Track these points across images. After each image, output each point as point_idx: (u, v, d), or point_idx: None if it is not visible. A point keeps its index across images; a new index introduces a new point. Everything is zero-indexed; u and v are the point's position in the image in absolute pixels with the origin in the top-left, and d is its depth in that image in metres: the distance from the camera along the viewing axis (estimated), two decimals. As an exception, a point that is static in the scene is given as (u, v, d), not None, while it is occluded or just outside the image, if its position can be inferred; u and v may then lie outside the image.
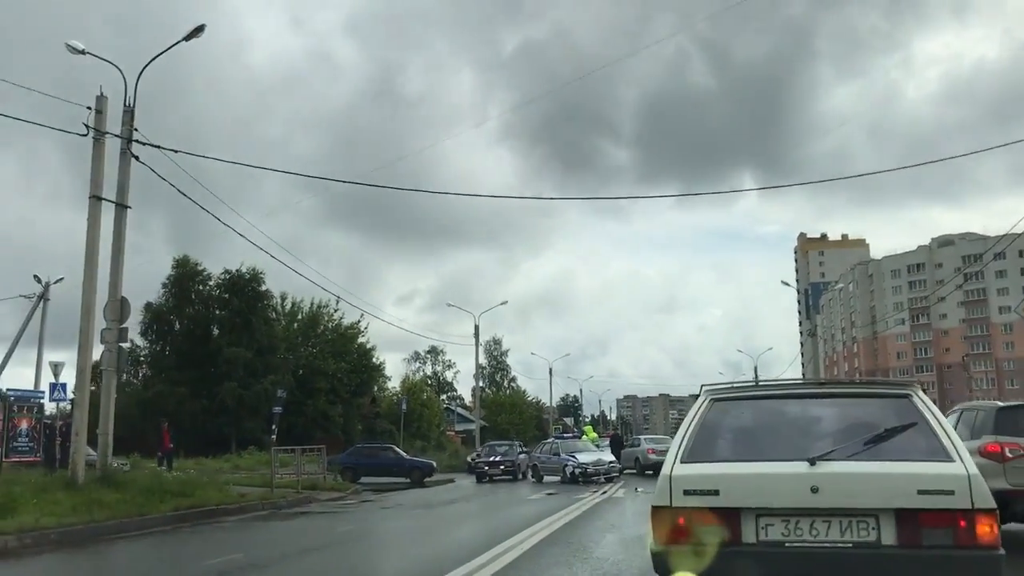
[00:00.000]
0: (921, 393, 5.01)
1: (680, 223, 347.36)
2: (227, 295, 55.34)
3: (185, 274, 55.32)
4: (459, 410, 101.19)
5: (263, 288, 55.89)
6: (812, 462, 4.44)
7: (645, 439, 36.73)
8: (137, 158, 17.91)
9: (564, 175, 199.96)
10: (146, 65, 18.18)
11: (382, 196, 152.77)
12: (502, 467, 30.68)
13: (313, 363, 58.54)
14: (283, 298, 61.48)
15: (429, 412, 72.81)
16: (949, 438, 4.55)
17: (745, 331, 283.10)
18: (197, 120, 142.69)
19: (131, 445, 40.63)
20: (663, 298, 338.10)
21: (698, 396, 5.47)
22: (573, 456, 27.26)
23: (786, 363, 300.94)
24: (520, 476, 30.59)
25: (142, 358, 56.07)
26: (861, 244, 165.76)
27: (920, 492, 4.26)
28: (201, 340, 54.44)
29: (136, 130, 17.95)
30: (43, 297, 38.03)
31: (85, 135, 16.91)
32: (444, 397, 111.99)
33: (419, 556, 9.88)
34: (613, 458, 28.37)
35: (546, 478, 28.21)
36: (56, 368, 27.39)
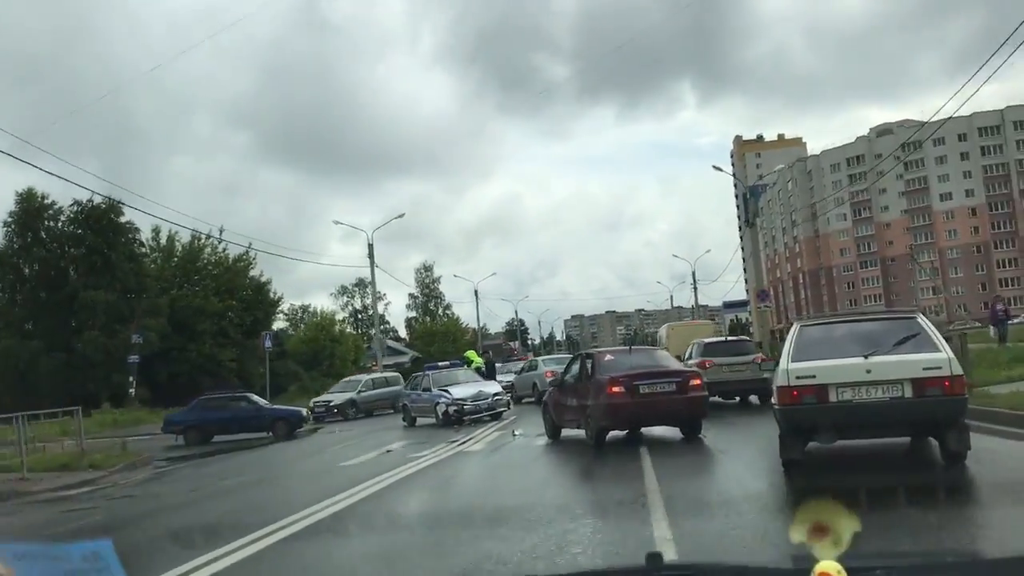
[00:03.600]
0: (922, 315, 9.07)
1: (623, 140, 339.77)
2: (80, 231, 47.63)
3: (30, 210, 47.39)
4: (390, 343, 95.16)
5: (124, 220, 48.11)
6: (865, 356, 8.26)
7: (544, 360, 29.30)
8: None
9: (504, 95, 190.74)
10: None
11: (318, 130, 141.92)
12: None
13: (193, 303, 51.29)
14: (156, 232, 53.82)
15: (342, 348, 66.37)
16: (939, 339, 8.53)
17: (690, 242, 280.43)
18: (115, 62, 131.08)
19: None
20: (609, 216, 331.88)
21: (791, 325, 9.68)
22: (446, 391, 20.98)
23: (726, 267, 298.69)
24: None
25: (-15, 311, 48.27)
26: (798, 143, 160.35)
27: (924, 368, 8.14)
28: (57, 285, 46.90)
29: None
30: None
31: None
32: (374, 331, 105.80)
33: None
34: (499, 389, 22.06)
35: (420, 420, 21.94)
36: None
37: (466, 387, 21.29)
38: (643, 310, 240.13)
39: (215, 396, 27.56)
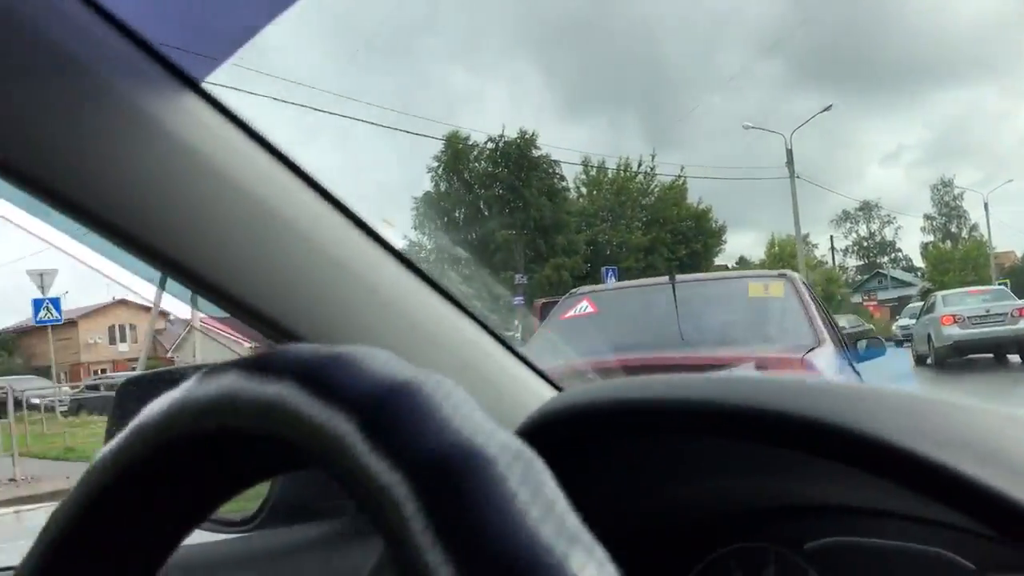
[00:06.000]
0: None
1: None
2: (496, 169, 46.38)
3: (457, 153, 47.34)
4: (894, 273, 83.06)
5: (539, 154, 45.70)
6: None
7: (945, 297, 19.00)
8: None
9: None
10: None
11: (851, 49, 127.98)
12: None
13: (613, 239, 47.44)
14: (586, 164, 50.71)
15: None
16: None
17: None
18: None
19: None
20: None
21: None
22: None
23: None
24: None
25: (422, 256, 49.56)
26: None
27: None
28: (478, 227, 46.48)
29: None
30: None
31: None
32: (886, 260, 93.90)
33: None
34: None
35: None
36: (43, 279, 19.89)
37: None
38: None
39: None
